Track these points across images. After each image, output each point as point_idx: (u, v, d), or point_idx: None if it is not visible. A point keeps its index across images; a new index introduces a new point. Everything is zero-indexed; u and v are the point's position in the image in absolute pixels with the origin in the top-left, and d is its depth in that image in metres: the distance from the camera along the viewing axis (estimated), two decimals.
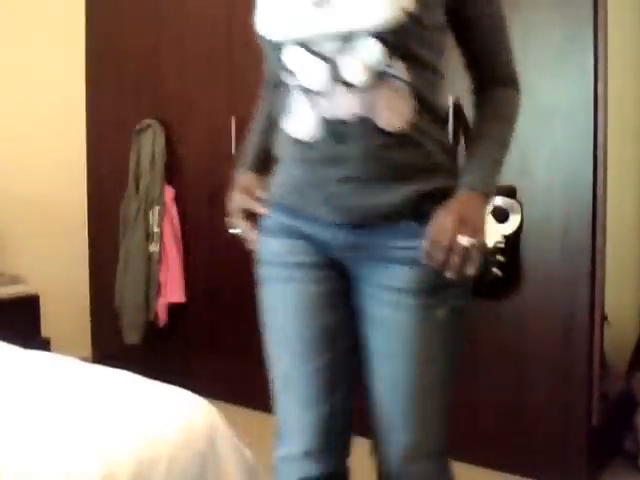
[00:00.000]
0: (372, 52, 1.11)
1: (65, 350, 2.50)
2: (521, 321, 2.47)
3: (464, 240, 1.09)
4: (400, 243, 1.19)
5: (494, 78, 1.28)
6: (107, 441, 1.30)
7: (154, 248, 3.38)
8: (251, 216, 1.32)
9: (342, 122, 1.15)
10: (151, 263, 3.38)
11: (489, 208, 1.29)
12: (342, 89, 1.14)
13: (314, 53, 1.14)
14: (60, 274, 3.72)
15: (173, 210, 3.39)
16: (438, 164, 1.22)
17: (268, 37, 1.18)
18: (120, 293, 3.48)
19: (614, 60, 2.42)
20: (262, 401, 3.15)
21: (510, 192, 2.30)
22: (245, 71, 3.15)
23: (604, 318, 2.57)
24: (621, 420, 2.61)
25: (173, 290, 3.36)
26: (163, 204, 3.37)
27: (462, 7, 1.21)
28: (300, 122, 1.21)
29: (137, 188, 3.48)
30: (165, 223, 3.36)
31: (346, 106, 1.15)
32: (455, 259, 1.09)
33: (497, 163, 1.23)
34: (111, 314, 3.53)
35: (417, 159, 1.20)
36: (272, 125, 1.34)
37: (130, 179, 3.49)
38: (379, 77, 1.13)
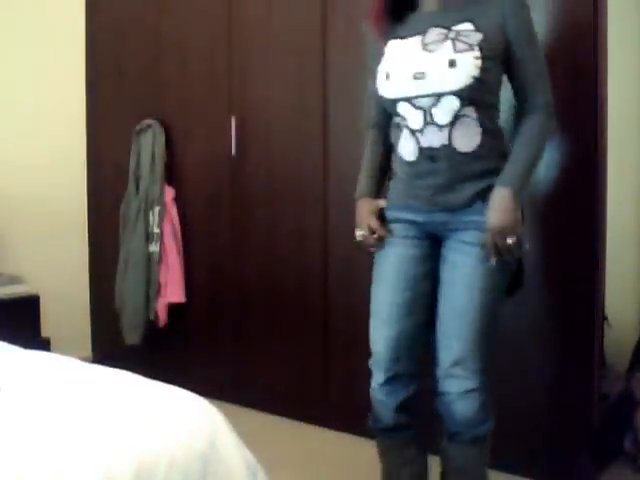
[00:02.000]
0: (453, 104, 1.75)
1: (65, 350, 2.50)
2: (521, 321, 2.47)
3: (508, 241, 1.72)
4: (472, 218, 1.80)
5: (529, 106, 1.81)
6: (107, 442, 1.30)
7: (154, 248, 3.38)
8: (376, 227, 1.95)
9: (433, 149, 1.79)
10: (151, 263, 3.39)
11: (519, 199, 1.78)
12: (433, 128, 1.78)
13: (415, 106, 1.79)
14: (60, 274, 3.72)
15: (173, 210, 3.39)
16: (496, 168, 1.80)
17: (386, 96, 1.85)
18: (120, 293, 3.48)
19: (614, 60, 2.42)
20: (263, 401, 3.16)
21: None
22: (245, 71, 3.15)
23: (604, 318, 2.56)
24: (621, 420, 2.61)
25: (173, 290, 3.36)
26: (163, 204, 3.37)
27: (509, 57, 1.80)
28: (407, 149, 1.85)
29: (137, 188, 3.48)
30: (165, 223, 3.36)
31: (433, 138, 1.78)
32: (504, 252, 1.73)
33: (524, 168, 1.79)
34: (111, 314, 3.53)
35: (482, 167, 1.80)
36: (384, 159, 2.01)
37: (130, 179, 3.49)
38: (456, 118, 1.76)
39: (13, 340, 2.01)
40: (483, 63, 1.72)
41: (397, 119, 1.87)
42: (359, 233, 1.96)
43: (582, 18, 2.29)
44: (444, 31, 1.77)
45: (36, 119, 3.66)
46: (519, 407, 2.48)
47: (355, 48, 2.78)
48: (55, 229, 3.74)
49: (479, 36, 1.74)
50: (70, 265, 3.79)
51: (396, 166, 1.94)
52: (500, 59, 1.78)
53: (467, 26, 1.76)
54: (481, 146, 1.78)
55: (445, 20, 1.80)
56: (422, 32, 1.80)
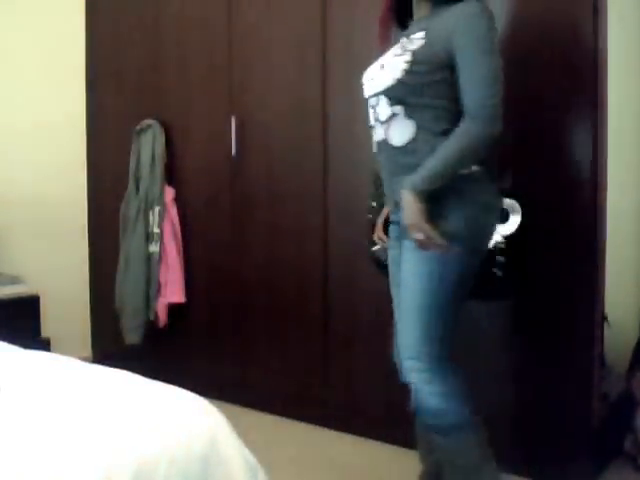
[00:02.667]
0: (384, 102, 1.92)
1: (65, 350, 2.50)
2: (521, 321, 2.47)
3: (416, 236, 1.80)
4: None
5: (466, 111, 1.83)
6: (107, 442, 1.30)
7: (154, 248, 3.38)
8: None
9: (378, 142, 1.98)
10: (151, 263, 3.39)
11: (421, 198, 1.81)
12: (378, 124, 1.96)
13: (370, 105, 2.00)
14: (60, 274, 3.72)
15: (173, 210, 3.39)
16: None
17: (365, 96, 2.04)
18: (120, 293, 3.48)
19: (614, 60, 2.42)
20: (263, 401, 3.16)
21: (510, 192, 2.30)
22: (245, 71, 3.15)
23: (604, 318, 2.56)
24: (621, 420, 2.61)
25: (173, 290, 3.36)
26: (163, 204, 3.37)
27: (455, 64, 1.83)
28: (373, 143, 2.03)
29: (137, 188, 3.48)
30: (165, 223, 3.36)
31: (379, 133, 1.97)
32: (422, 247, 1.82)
33: (433, 170, 1.81)
34: (111, 314, 3.54)
35: (415, 160, 1.86)
36: None
37: (130, 179, 3.50)
38: (391, 116, 1.91)
39: (13, 340, 2.01)
40: (410, 67, 1.84)
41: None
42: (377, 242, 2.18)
43: (582, 18, 2.29)
44: (404, 39, 1.93)
45: (36, 119, 3.66)
46: (519, 407, 2.48)
47: (355, 48, 2.78)
48: (55, 229, 3.74)
49: (421, 42, 1.85)
50: (70, 265, 3.79)
51: None
52: (441, 65, 1.83)
53: (420, 35, 1.87)
54: (413, 141, 1.88)
55: (412, 29, 1.95)
56: (398, 40, 1.98)
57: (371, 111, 1.99)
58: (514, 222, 2.35)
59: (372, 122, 2.00)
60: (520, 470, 2.44)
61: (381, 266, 2.16)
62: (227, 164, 3.22)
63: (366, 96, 2.02)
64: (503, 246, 2.29)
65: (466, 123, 1.81)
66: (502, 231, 2.32)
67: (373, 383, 2.81)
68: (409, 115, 1.88)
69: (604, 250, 2.38)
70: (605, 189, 2.38)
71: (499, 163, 2.07)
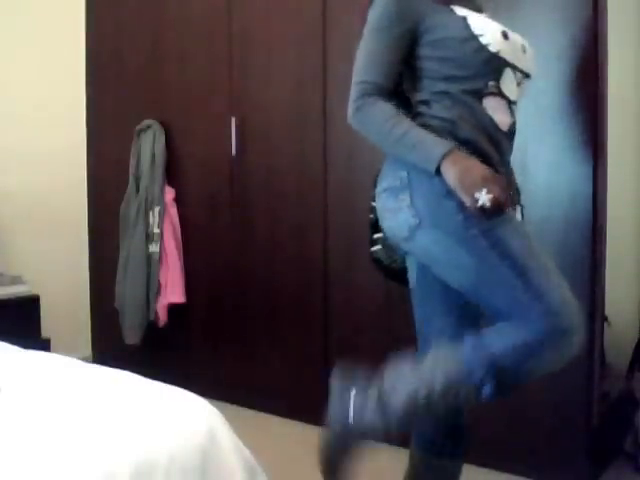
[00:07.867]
0: (526, 88, 1.78)
1: (65, 350, 2.50)
2: None
3: None
4: None
5: None
6: (107, 441, 1.30)
7: (154, 248, 3.38)
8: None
9: (512, 125, 1.73)
10: (151, 263, 3.39)
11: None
12: (514, 105, 1.73)
13: (515, 77, 1.71)
14: (60, 274, 3.72)
15: (173, 210, 3.39)
16: None
17: (503, 56, 1.66)
18: (120, 293, 3.48)
19: (614, 60, 2.43)
20: (263, 401, 3.16)
21: None
22: (245, 71, 3.15)
23: (604, 318, 2.56)
24: (621, 420, 2.61)
25: (173, 290, 3.36)
26: (163, 204, 3.37)
27: None
28: (502, 119, 1.70)
29: (137, 188, 3.48)
30: (165, 223, 3.36)
31: (510, 117, 1.72)
32: None
33: None
34: (111, 314, 3.53)
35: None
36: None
37: (130, 179, 3.49)
38: (516, 102, 1.74)
39: (13, 340, 2.01)
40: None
41: (481, 83, 1.66)
42: (486, 196, 1.47)
43: (582, 18, 2.29)
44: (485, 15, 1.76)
45: (36, 119, 3.66)
46: (519, 407, 2.47)
47: (356, 48, 2.78)
48: (55, 229, 3.74)
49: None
50: (70, 265, 3.79)
51: (473, 133, 1.66)
52: None
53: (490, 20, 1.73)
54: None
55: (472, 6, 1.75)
56: (477, 10, 1.76)
57: (514, 84, 1.71)
58: None
59: (513, 97, 1.71)
60: (520, 470, 2.44)
61: (381, 266, 2.11)
62: (227, 164, 3.22)
63: (514, 63, 1.69)
64: None
65: None
66: None
67: None
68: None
69: (604, 250, 2.38)
70: (605, 189, 2.38)
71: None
